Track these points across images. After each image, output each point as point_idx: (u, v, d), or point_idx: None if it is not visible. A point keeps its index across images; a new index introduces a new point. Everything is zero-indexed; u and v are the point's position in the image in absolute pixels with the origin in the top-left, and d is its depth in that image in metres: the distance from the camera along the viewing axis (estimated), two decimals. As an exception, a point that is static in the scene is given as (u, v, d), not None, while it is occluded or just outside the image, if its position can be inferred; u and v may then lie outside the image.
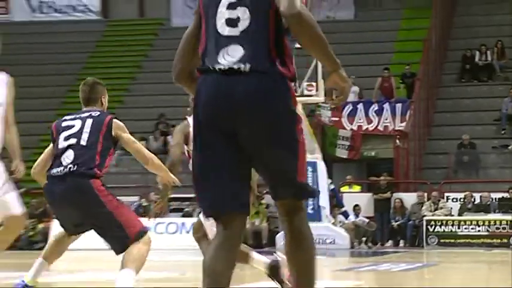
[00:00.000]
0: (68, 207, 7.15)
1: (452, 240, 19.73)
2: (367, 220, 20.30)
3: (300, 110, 17.29)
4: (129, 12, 34.26)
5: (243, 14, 3.67)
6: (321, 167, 18.88)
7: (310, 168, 18.34)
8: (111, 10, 34.34)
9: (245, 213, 3.83)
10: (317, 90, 18.14)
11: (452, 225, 20.56)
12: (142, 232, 6.95)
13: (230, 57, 3.63)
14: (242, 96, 3.60)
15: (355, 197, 21.36)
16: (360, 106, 22.95)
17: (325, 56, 3.81)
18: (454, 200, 21.58)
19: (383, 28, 28.88)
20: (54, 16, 31.85)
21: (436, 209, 20.74)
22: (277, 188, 3.86)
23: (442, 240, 19.94)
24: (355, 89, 23.90)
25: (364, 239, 19.90)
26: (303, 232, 3.85)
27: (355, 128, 22.38)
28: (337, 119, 22.18)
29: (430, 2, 27.80)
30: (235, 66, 3.60)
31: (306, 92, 18.26)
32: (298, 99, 15.83)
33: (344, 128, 22.37)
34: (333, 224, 19.22)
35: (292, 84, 3.75)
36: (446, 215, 20.76)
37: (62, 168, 6.97)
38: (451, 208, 21.22)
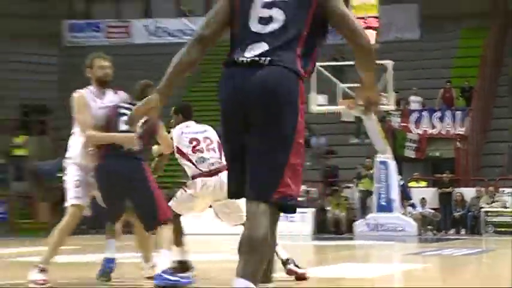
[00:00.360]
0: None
1: (507, 229, 19.23)
2: (432, 211, 20.08)
3: (373, 116, 17.15)
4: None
5: (277, 15, 3.46)
6: (392, 165, 18.76)
7: (382, 166, 18.42)
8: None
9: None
10: (388, 100, 17.86)
11: (507, 216, 20.18)
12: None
13: (254, 51, 3.43)
14: (253, 84, 3.37)
15: (422, 191, 21.16)
16: (425, 113, 22.89)
17: (372, 72, 3.63)
18: (508, 194, 21.15)
19: (444, 47, 28.80)
20: (167, 39, 32.52)
21: (492, 202, 20.37)
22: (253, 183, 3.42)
23: (498, 229, 19.52)
24: (419, 99, 24.19)
25: (429, 227, 19.82)
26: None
27: (421, 132, 22.38)
28: (405, 124, 22.23)
29: (485, 23, 27.47)
30: (257, 59, 3.38)
31: (378, 101, 17.64)
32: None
33: (411, 132, 22.41)
34: (403, 214, 19.12)
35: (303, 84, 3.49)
36: (501, 207, 20.33)
37: None
38: (506, 201, 20.77)
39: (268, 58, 3.33)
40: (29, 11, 31.23)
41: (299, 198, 15.45)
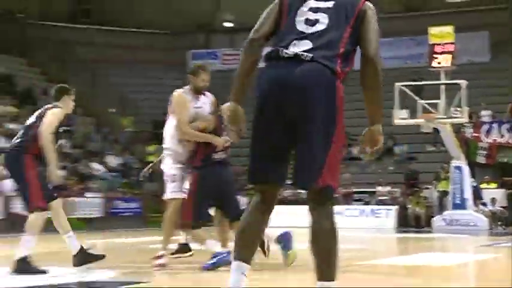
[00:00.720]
0: None
1: None
2: (501, 209, 19.80)
3: (447, 128, 17.79)
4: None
5: (323, 19, 3.33)
6: (466, 170, 18.62)
7: (457, 171, 18.63)
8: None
9: (281, 185, 3.41)
10: (462, 113, 17.89)
11: None
12: None
13: (297, 47, 3.28)
14: (296, 76, 3.19)
15: (492, 192, 20.84)
16: (495, 125, 22.53)
17: (379, 107, 3.46)
18: None
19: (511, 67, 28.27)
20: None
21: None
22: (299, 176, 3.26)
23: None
24: (489, 112, 23.94)
25: (499, 223, 19.32)
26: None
27: (491, 141, 22.07)
28: (477, 134, 22.08)
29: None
30: (299, 53, 3.22)
31: (453, 115, 17.83)
32: (448, 120, 15.66)
33: (482, 141, 22.16)
34: (475, 211, 18.81)
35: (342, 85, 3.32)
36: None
37: None
38: None
39: (311, 55, 3.19)
40: (161, 44, 32.80)
41: (384, 198, 15.41)
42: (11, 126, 19.44)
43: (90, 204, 20.15)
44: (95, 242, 7.60)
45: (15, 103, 22.57)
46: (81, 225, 17.69)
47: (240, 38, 34.56)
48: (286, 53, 3.24)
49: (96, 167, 23.13)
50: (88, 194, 20.45)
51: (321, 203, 3.25)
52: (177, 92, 6.43)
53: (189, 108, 6.34)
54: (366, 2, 3.39)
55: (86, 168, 22.67)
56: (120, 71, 30.26)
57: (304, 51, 3.21)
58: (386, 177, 22.58)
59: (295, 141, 3.20)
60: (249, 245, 3.30)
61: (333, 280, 3.19)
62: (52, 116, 5.94)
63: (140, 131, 29.14)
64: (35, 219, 5.96)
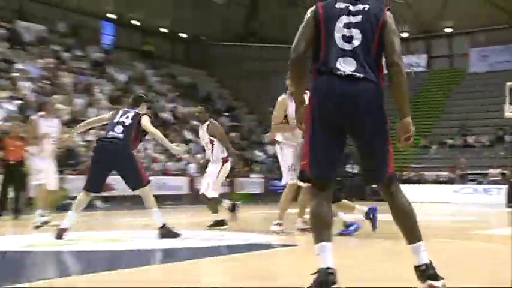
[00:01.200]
0: None
1: None
2: None
3: None
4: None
5: (356, 34, 3.20)
6: None
7: None
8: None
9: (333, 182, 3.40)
10: None
11: None
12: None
13: (347, 66, 3.18)
14: (354, 94, 3.14)
15: None
16: None
17: (406, 102, 3.34)
18: None
19: None
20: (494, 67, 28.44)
21: None
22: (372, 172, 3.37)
23: None
24: None
25: None
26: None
27: None
28: None
29: None
30: (352, 74, 3.14)
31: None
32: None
33: None
34: None
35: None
36: None
37: None
38: None
39: (362, 75, 3.14)
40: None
41: (495, 178, 14.60)
42: (195, 123, 21.00)
43: (254, 183, 21.24)
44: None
45: (197, 105, 24.34)
46: (247, 198, 18.38)
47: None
48: (339, 71, 3.19)
49: (258, 154, 24.15)
50: (252, 175, 21.61)
51: (393, 187, 3.34)
52: (282, 97, 6.50)
53: (288, 109, 6.33)
54: (387, 12, 3.28)
55: (251, 155, 23.79)
56: (280, 79, 31.04)
57: (354, 70, 3.17)
58: (497, 161, 21.41)
59: (359, 147, 3.27)
60: (326, 228, 3.31)
61: (422, 240, 3.24)
62: (147, 120, 6.17)
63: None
64: (148, 191, 6.08)
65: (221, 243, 6.02)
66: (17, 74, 17.69)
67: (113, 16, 25.53)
